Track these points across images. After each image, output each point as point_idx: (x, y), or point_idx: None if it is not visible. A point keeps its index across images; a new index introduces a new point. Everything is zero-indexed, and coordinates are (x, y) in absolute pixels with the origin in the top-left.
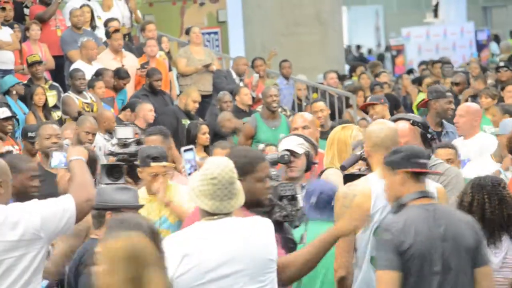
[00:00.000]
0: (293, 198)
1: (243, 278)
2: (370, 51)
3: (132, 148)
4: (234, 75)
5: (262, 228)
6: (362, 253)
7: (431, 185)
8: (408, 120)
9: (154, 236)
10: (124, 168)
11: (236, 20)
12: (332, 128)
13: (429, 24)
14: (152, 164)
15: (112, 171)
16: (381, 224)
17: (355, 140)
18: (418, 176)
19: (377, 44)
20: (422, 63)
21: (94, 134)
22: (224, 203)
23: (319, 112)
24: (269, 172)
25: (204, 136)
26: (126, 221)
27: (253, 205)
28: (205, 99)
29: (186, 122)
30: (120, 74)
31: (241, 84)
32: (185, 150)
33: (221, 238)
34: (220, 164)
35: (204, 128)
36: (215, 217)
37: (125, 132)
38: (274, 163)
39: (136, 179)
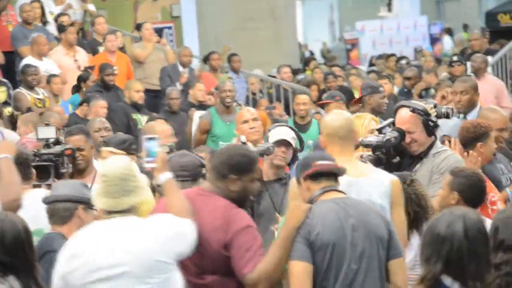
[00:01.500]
0: None
1: (129, 279)
2: (323, 53)
3: (58, 148)
4: (181, 68)
5: (155, 228)
6: None
7: (385, 177)
8: (409, 107)
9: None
10: (51, 168)
11: (190, 14)
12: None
13: (383, 18)
14: (103, 148)
15: (38, 172)
16: None
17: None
18: (317, 177)
19: (331, 38)
20: (379, 57)
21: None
22: (117, 201)
23: (301, 104)
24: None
25: (169, 128)
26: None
27: (241, 202)
28: (159, 93)
29: (136, 116)
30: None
31: (185, 74)
32: (148, 139)
33: (110, 238)
34: (114, 162)
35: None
36: (111, 215)
37: (46, 132)
38: (261, 155)
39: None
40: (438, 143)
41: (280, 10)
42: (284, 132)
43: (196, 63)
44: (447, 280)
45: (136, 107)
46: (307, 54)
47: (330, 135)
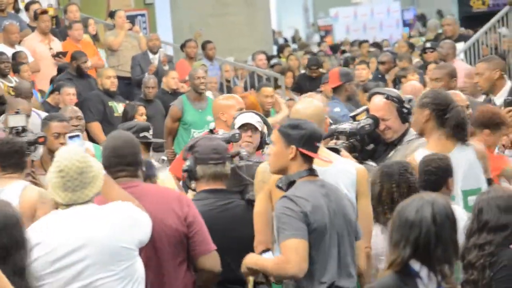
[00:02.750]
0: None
1: (91, 267)
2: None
3: (31, 136)
4: (151, 55)
5: (118, 215)
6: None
7: (351, 165)
8: (383, 94)
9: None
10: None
11: (163, 2)
12: None
13: (357, 4)
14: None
15: None
16: (285, 196)
17: None
18: (308, 157)
19: (306, 24)
20: (354, 43)
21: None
22: (77, 194)
23: (269, 97)
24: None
25: (141, 118)
26: None
27: None
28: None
29: (112, 104)
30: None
31: (155, 62)
32: (70, 137)
33: (72, 227)
34: (67, 155)
35: (141, 109)
36: (71, 206)
37: (16, 120)
38: (227, 142)
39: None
40: (412, 130)
41: None
42: (249, 117)
43: (170, 51)
44: (415, 265)
45: (109, 94)
46: (281, 40)
47: None
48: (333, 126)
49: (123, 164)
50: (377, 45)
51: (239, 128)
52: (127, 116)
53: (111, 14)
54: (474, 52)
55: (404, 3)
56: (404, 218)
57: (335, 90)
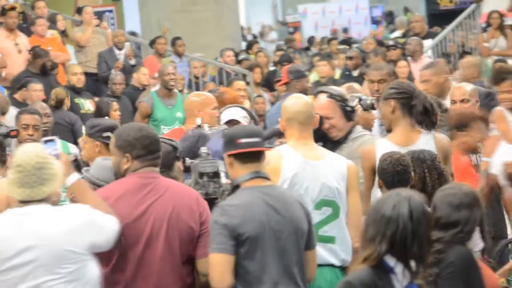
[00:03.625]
0: (215, 175)
1: (37, 269)
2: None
3: (3, 130)
4: (117, 51)
5: (71, 218)
6: None
7: (342, 161)
8: (326, 93)
9: None
10: None
11: None
12: None
13: (325, 1)
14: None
15: None
16: (218, 206)
17: None
18: (244, 157)
19: (275, 21)
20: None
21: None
22: (34, 190)
23: (241, 91)
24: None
25: (116, 113)
26: None
27: None
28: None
29: (79, 100)
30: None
31: (121, 58)
32: (45, 141)
33: (23, 227)
34: (26, 151)
35: (115, 105)
36: (26, 204)
37: None
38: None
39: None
40: (358, 128)
41: None
42: (234, 112)
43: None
44: (390, 260)
45: (75, 91)
46: (249, 37)
47: (289, 119)
48: (277, 126)
49: (149, 154)
50: (346, 42)
51: (225, 124)
52: (101, 112)
53: (79, 10)
54: (442, 49)
55: (373, 0)
56: (381, 214)
57: (287, 87)
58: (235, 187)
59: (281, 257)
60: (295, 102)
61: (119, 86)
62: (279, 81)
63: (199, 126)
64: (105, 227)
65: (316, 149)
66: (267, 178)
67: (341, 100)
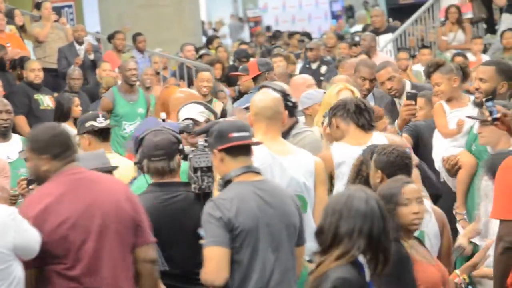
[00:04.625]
0: (208, 170)
1: None
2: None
3: None
4: (77, 46)
5: None
6: None
7: (310, 157)
8: (268, 87)
9: None
10: None
11: None
12: None
13: None
14: None
15: None
16: (211, 200)
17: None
18: (235, 151)
19: (236, 15)
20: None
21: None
22: None
23: (205, 81)
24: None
25: (77, 108)
26: None
27: None
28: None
29: (38, 96)
30: None
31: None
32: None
33: None
34: None
35: (77, 100)
36: None
37: None
38: (180, 132)
39: None
40: (300, 124)
41: None
42: (191, 110)
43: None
44: (360, 256)
45: (34, 87)
46: (210, 32)
47: (257, 114)
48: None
49: (67, 151)
50: (306, 35)
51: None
52: (62, 108)
53: (37, 6)
54: (401, 44)
55: None
56: (354, 209)
57: (256, 80)
58: (227, 182)
59: (276, 251)
60: (262, 97)
61: (77, 82)
62: (239, 75)
63: (163, 120)
64: (27, 230)
65: (283, 144)
66: (258, 173)
67: (283, 95)
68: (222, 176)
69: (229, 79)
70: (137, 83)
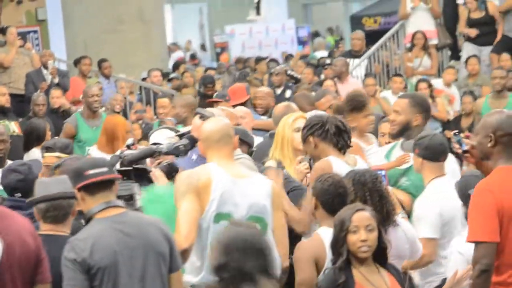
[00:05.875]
0: (130, 198)
1: None
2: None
3: None
4: (45, 71)
5: None
6: (203, 240)
7: (265, 180)
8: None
9: None
10: None
11: (57, 18)
12: None
13: (252, 21)
14: (45, 154)
15: None
16: (68, 242)
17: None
18: (94, 188)
19: (201, 42)
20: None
21: None
22: None
23: (160, 108)
24: None
25: (49, 133)
26: None
27: None
28: (24, 98)
29: (4, 122)
30: None
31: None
32: None
33: None
34: None
35: (47, 124)
36: None
37: None
38: (146, 156)
39: None
40: (237, 150)
41: (149, 13)
42: (159, 135)
43: (64, 67)
44: None
45: (3, 111)
46: (177, 54)
47: (207, 140)
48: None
49: None
50: (274, 61)
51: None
52: (39, 132)
53: (2, 31)
54: (366, 69)
55: (299, 21)
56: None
57: (244, 105)
58: (88, 220)
59: (141, 282)
60: (212, 123)
61: (42, 107)
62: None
63: (128, 146)
64: None
65: (239, 167)
66: (120, 207)
67: None
68: (84, 215)
69: None
70: (103, 108)
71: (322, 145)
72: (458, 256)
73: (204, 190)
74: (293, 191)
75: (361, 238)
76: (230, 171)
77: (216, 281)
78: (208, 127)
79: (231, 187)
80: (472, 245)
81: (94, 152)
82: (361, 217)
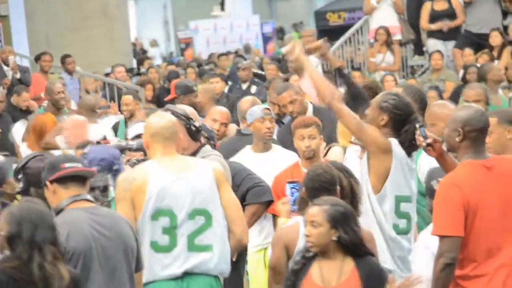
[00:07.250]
0: (104, 189)
1: None
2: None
3: None
4: (5, 68)
5: None
6: (145, 238)
7: (208, 165)
8: (171, 111)
9: None
10: None
11: (19, 14)
12: None
13: (216, 17)
14: None
15: None
16: None
17: None
18: (68, 181)
19: (166, 37)
20: (222, 54)
21: None
22: None
23: (124, 105)
24: None
25: None
26: None
27: None
28: None
29: None
30: None
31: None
32: None
33: None
34: None
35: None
36: None
37: None
38: (121, 151)
39: None
40: (207, 147)
41: (113, 9)
42: (141, 127)
43: (27, 63)
44: None
45: None
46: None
47: (154, 135)
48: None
49: None
50: (241, 57)
51: (134, 139)
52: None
53: None
54: (329, 65)
55: (263, 16)
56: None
57: (172, 103)
58: (58, 212)
59: (112, 275)
60: (158, 119)
61: (1, 104)
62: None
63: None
64: None
65: (182, 160)
66: (91, 201)
67: (185, 120)
68: (54, 208)
69: (158, 101)
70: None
71: (388, 131)
72: (424, 250)
73: (138, 193)
74: None
75: (305, 233)
76: (171, 166)
77: (9, 254)
78: (159, 123)
79: (171, 183)
80: (437, 239)
81: (24, 149)
82: (310, 212)
